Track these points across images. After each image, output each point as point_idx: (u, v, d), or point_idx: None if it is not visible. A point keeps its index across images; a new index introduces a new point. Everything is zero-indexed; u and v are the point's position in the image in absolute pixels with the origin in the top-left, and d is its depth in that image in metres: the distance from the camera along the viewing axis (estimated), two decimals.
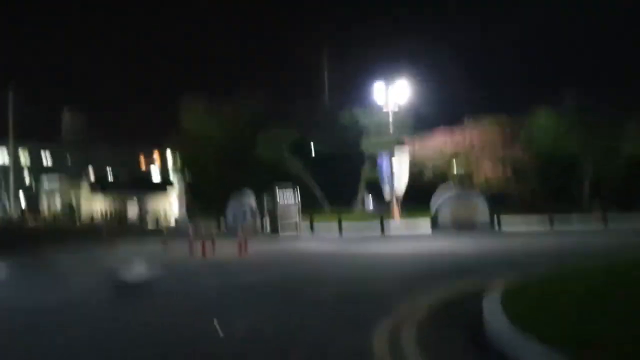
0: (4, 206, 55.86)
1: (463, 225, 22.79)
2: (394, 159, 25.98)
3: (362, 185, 34.52)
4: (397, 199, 26.41)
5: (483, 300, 7.41)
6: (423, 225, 23.68)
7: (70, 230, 33.00)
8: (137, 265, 15.19)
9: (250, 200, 27.20)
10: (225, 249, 18.17)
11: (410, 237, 21.76)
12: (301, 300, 9.33)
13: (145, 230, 28.51)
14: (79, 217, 43.26)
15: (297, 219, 23.97)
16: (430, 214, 23.47)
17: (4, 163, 55.96)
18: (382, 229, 22.40)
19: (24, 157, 79.99)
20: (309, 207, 26.47)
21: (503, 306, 6.77)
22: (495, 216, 23.56)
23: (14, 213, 51.98)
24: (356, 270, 13.10)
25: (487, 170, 27.90)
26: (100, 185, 50.92)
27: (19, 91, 61.01)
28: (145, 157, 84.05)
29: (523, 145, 28.39)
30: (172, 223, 31.82)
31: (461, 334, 6.84)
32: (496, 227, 23.10)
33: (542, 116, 28.29)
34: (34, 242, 26.17)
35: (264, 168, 36.50)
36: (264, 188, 28.29)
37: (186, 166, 42.58)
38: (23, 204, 61.34)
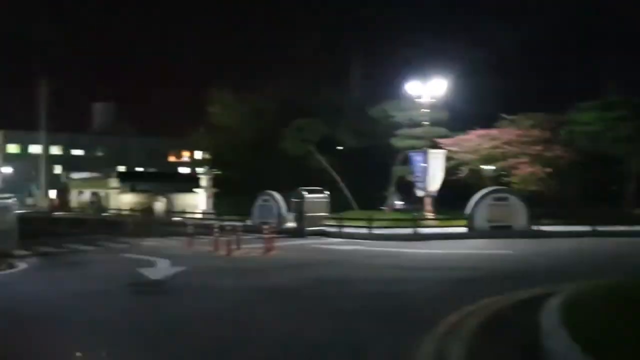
0: (34, 196, 56.56)
1: (500, 227, 21.66)
2: (429, 155, 24.89)
3: (392, 183, 33.53)
4: (430, 198, 25.35)
5: (541, 317, 6.50)
6: (458, 226, 22.64)
7: (96, 222, 32.76)
8: (158, 260, 14.61)
9: (277, 196, 26.42)
10: (251, 247, 17.48)
11: (445, 237, 20.75)
12: (332, 308, 8.50)
13: (171, 225, 27.97)
14: (106, 209, 43.22)
15: (325, 217, 23.09)
16: (465, 214, 22.35)
17: (36, 153, 56.41)
18: (415, 229, 21.39)
19: (56, 149, 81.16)
20: (336, 204, 25.61)
21: (566, 326, 5.84)
22: (533, 217, 22.37)
23: (43, 203, 52.51)
24: (390, 272, 12.22)
25: (525, 170, 26.65)
26: (128, 178, 50.93)
27: (51, 84, 61.85)
28: (174, 151, 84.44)
29: (563, 143, 27.07)
30: (199, 218, 31.25)
31: (516, 353, 5.96)
32: (534, 229, 21.90)
33: (583, 113, 26.93)
34: (59, 233, 25.97)
35: (291, 162, 35.82)
36: (292, 183, 27.54)
37: (213, 160, 42.23)
38: (53, 195, 62.00)
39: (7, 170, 72.93)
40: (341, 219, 23.24)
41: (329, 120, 34.25)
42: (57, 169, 73.99)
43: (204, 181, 34.91)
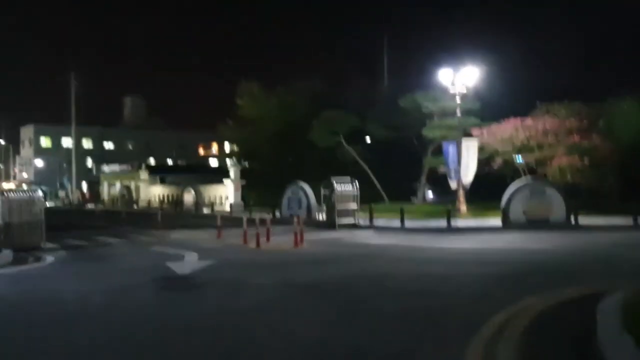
0: (65, 189, 57.34)
1: (537, 220, 20.81)
2: (462, 146, 24.15)
3: (423, 174, 32.84)
4: (463, 190, 24.63)
5: (597, 319, 5.92)
6: (492, 218, 21.90)
7: (126, 214, 32.89)
8: (186, 253, 14.32)
9: (306, 188, 26.02)
10: (280, 239, 17.09)
11: (480, 231, 20.03)
12: (368, 306, 8.00)
13: (200, 217, 27.84)
14: (137, 201, 43.45)
15: (356, 209, 22.56)
16: (500, 206, 21.58)
17: (68, 147, 57.08)
18: (449, 222, 20.72)
19: (87, 143, 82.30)
20: (366, 196, 25.01)
21: (628, 330, 5.26)
22: (571, 210, 21.46)
23: (74, 196, 53.16)
24: (426, 268, 11.66)
25: (562, 161, 25.68)
26: (157, 171, 51.19)
27: (82, 78, 62.44)
28: (204, 144, 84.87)
29: (602, 134, 25.98)
30: (228, 210, 31.08)
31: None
32: (573, 222, 21.02)
33: (624, 103, 25.84)
34: (89, 225, 26.06)
35: (319, 154, 35.38)
36: (320, 175, 27.11)
37: (242, 152, 42.06)
38: (84, 188, 62.79)
39: (39, 163, 74.21)
40: (373, 211, 22.67)
41: (358, 112, 33.68)
42: (89, 162, 75.07)
43: (232, 173, 34.66)
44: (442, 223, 21.26)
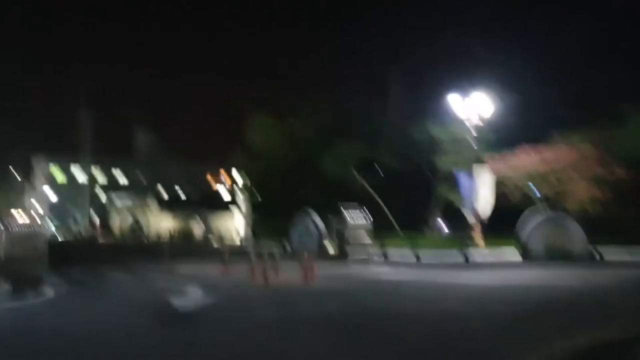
0: (77, 222, 57.13)
1: (557, 254, 20.00)
2: (476, 174, 23.51)
3: (436, 205, 32.12)
4: (479, 222, 23.89)
5: None
6: (511, 252, 21.13)
7: (135, 247, 32.38)
8: (191, 289, 13.68)
9: (317, 220, 25.41)
10: (290, 274, 16.41)
11: (499, 265, 19.26)
12: (388, 351, 7.31)
13: (209, 250, 27.24)
14: (147, 234, 43.05)
15: (368, 242, 21.90)
16: (518, 240, 20.82)
17: (82, 182, 57.19)
18: (466, 256, 19.98)
19: (100, 176, 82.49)
20: (378, 229, 24.34)
21: None
22: (593, 244, 20.63)
23: (84, 229, 52.90)
24: (446, 306, 10.93)
25: (581, 192, 24.88)
26: (168, 203, 50.94)
27: (94, 112, 62.75)
28: (214, 176, 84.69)
29: (622, 162, 25.15)
30: (237, 243, 30.50)
31: None
32: (597, 257, 20.18)
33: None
34: (97, 259, 25.52)
35: (330, 186, 34.83)
36: (331, 208, 26.54)
37: (252, 184, 41.63)
38: (96, 221, 62.54)
39: (53, 197, 74.29)
40: (386, 245, 21.98)
41: (368, 142, 33.23)
42: (101, 195, 75.02)
43: (241, 205, 34.16)
44: (458, 257, 20.54)
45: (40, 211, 75.93)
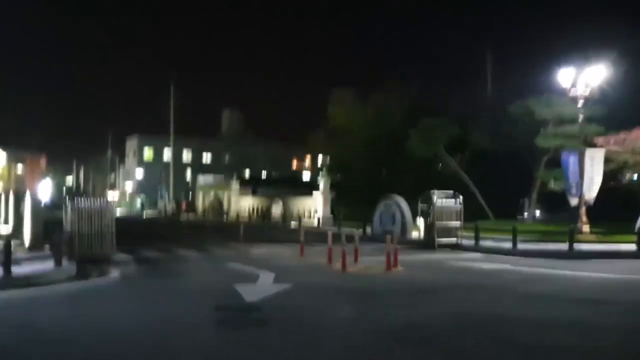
0: (163, 200, 58.33)
1: None
2: (585, 156, 20.76)
3: (535, 190, 29.29)
4: (585, 207, 21.16)
5: None
6: (622, 241, 18.39)
7: (214, 226, 31.99)
8: (262, 274, 12.43)
9: (401, 202, 23.54)
10: (370, 260, 14.84)
11: (609, 256, 16.67)
12: None
13: (286, 230, 26.16)
14: (227, 212, 42.87)
15: (458, 227, 19.82)
16: (634, 227, 18.01)
17: (168, 159, 58.14)
18: (571, 244, 17.51)
19: (187, 154, 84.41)
20: (468, 213, 22.00)
21: None
22: None
23: (169, 207, 53.87)
24: (556, 307, 8.98)
25: None
26: (250, 183, 50.70)
27: (183, 91, 63.76)
28: (297, 157, 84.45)
29: None
30: (316, 225, 29.24)
31: None
32: None
33: None
34: (173, 236, 25.17)
35: (416, 166, 32.79)
36: (417, 189, 24.59)
37: (333, 164, 40.30)
38: (182, 199, 63.74)
39: (140, 174, 76.75)
40: (478, 229, 19.80)
41: (460, 119, 30.83)
42: (188, 174, 76.68)
43: (321, 186, 32.82)
44: (560, 246, 18.08)
45: (131, 190, 78.85)
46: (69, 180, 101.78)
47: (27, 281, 10.96)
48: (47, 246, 15.27)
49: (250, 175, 68.64)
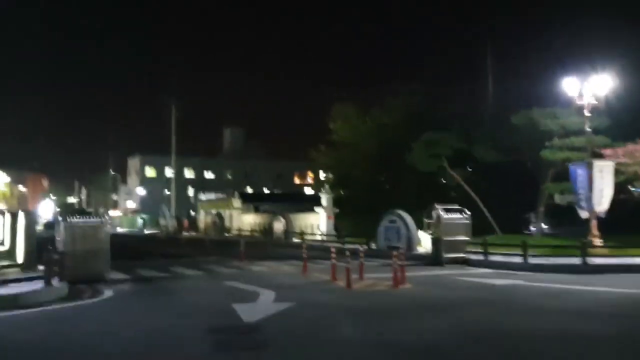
0: (164, 217, 57.69)
1: None
2: (594, 168, 20.17)
3: (541, 203, 28.63)
4: (596, 220, 20.52)
5: None
6: (637, 254, 17.76)
7: (211, 243, 31.40)
8: (262, 292, 11.84)
9: (405, 217, 22.98)
10: (375, 276, 14.24)
11: (624, 269, 16.04)
12: None
13: (289, 247, 25.55)
14: (229, 229, 42.25)
15: (466, 241, 19.20)
16: None
17: (171, 176, 57.67)
18: (584, 258, 16.89)
19: (189, 172, 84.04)
20: (474, 227, 21.33)
21: None
22: None
23: (170, 224, 53.26)
24: (573, 326, 8.37)
25: None
26: (252, 199, 50.20)
27: (184, 110, 63.31)
28: (299, 173, 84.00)
29: None
30: (319, 240, 28.61)
31: None
32: None
33: None
34: (172, 254, 24.59)
35: (419, 180, 32.21)
36: (421, 203, 23.99)
37: (335, 178, 39.74)
38: (184, 216, 63.14)
39: (141, 192, 76.27)
40: (486, 244, 19.17)
41: (462, 132, 30.26)
42: (190, 191, 76.21)
43: (324, 201, 32.23)
44: (572, 260, 17.46)
45: (133, 208, 78.33)
46: (71, 200, 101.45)
47: (15, 302, 10.39)
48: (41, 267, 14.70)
49: (252, 192, 68.13)
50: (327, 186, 33.41)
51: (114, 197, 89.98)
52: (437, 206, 19.45)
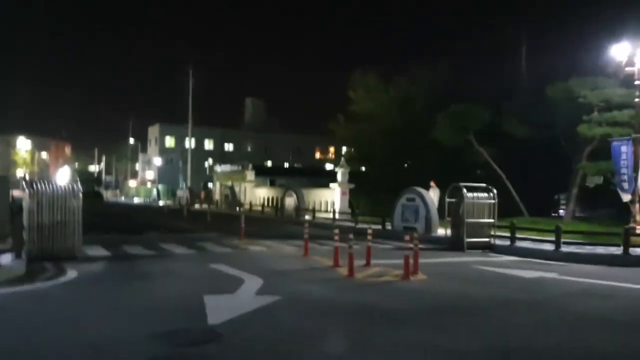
0: (182, 189, 56.43)
1: None
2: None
3: (575, 184, 26.28)
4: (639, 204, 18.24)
5: None
6: None
7: (222, 216, 29.77)
8: (248, 280, 10.04)
9: (425, 195, 20.96)
10: (386, 264, 12.34)
11: None
12: None
13: (299, 223, 23.66)
14: (240, 203, 40.65)
15: (492, 224, 17.14)
16: None
17: (189, 149, 56.50)
18: (626, 248, 14.75)
19: (209, 144, 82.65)
20: (500, 209, 19.11)
21: None
22: None
23: (183, 196, 51.98)
24: (632, 340, 6.40)
25: None
26: (268, 173, 48.57)
27: (207, 81, 61.52)
28: (321, 147, 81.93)
29: None
30: (331, 219, 26.74)
31: None
32: None
33: None
34: (170, 228, 23.11)
35: (443, 156, 30.08)
36: (444, 181, 21.85)
37: (353, 153, 37.75)
38: (201, 188, 61.88)
39: (158, 162, 75.14)
40: (513, 227, 17.08)
41: (492, 105, 27.91)
42: (210, 163, 74.81)
43: (339, 176, 30.25)
44: (611, 249, 15.35)
45: (151, 178, 77.39)
46: (92, 168, 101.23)
47: None
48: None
49: (273, 166, 66.48)
50: (342, 159, 31.34)
51: (137, 166, 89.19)
52: (460, 185, 17.35)
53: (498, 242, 16.88)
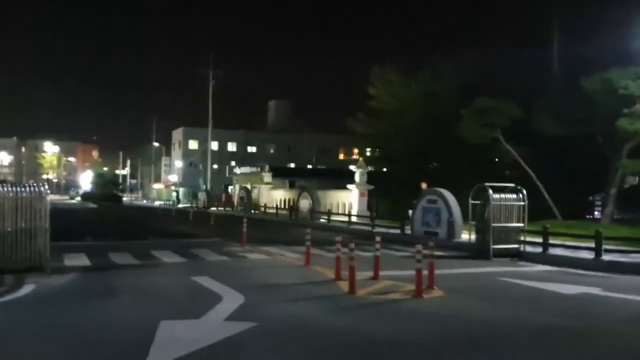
0: (202, 191, 55.48)
1: None
2: None
3: (614, 184, 24.04)
4: None
5: None
6: None
7: (235, 219, 28.28)
8: (226, 298, 8.42)
9: (448, 196, 19.07)
10: (398, 274, 10.62)
11: None
12: None
13: (313, 227, 22.01)
14: (257, 206, 39.19)
15: (521, 229, 15.21)
16: None
17: (213, 149, 55.34)
18: None
19: (232, 146, 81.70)
20: (530, 211, 17.04)
21: None
22: None
23: (201, 198, 50.94)
24: None
25: None
26: (281, 174, 47.16)
27: (230, 83, 60.27)
28: (344, 149, 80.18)
29: None
30: (347, 222, 25.01)
31: None
32: None
33: None
34: (172, 232, 21.81)
35: (469, 154, 28.11)
36: (469, 182, 19.97)
37: (373, 153, 35.96)
38: (222, 190, 60.82)
39: (179, 165, 74.49)
40: (546, 232, 15.12)
41: (521, 100, 25.84)
42: (233, 165, 73.81)
43: (357, 176, 28.48)
44: None
45: (174, 180, 76.77)
46: (119, 171, 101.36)
47: None
48: None
49: (287, 167, 65.02)
50: (360, 160, 29.54)
51: (162, 169, 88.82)
52: (486, 185, 15.47)
53: (528, 248, 14.94)
